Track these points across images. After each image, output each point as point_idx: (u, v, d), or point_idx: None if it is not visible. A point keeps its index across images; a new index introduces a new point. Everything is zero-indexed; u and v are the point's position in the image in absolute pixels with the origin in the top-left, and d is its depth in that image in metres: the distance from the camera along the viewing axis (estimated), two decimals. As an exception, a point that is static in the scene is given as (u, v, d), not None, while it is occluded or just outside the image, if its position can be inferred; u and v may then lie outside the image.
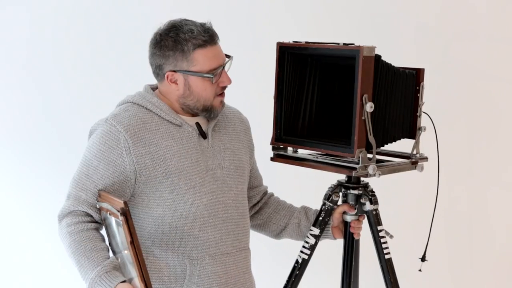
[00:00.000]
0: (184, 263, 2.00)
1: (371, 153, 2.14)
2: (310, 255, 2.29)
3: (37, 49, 3.62)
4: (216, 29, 2.04)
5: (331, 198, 2.28)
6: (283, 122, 2.22)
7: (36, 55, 3.62)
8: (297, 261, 2.29)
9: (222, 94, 2.05)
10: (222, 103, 2.06)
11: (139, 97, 2.04)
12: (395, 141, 2.31)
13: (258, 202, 2.34)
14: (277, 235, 2.34)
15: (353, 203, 2.28)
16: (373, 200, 2.28)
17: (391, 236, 2.32)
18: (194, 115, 2.06)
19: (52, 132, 3.67)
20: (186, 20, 2.02)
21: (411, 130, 2.35)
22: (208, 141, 2.06)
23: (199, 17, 2.07)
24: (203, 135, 2.05)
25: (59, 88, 3.66)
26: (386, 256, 2.27)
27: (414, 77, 2.32)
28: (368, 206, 2.27)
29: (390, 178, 3.03)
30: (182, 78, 1.99)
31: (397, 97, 2.24)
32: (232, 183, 2.10)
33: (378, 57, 2.10)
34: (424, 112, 2.36)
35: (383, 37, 3.64)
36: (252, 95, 3.36)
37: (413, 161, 2.33)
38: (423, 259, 2.40)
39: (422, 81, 2.34)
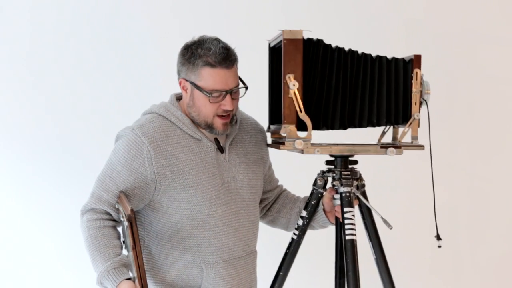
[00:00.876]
0: (200, 266, 2.20)
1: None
2: (299, 236, 2.42)
3: (39, 51, 3.55)
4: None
5: (316, 182, 2.41)
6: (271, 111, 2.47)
7: (38, 56, 3.55)
8: (290, 242, 2.46)
9: (224, 117, 2.18)
10: (225, 126, 2.19)
11: (164, 109, 2.20)
12: (373, 126, 2.32)
13: (271, 202, 2.52)
14: (287, 227, 2.51)
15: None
16: (344, 183, 2.33)
17: (390, 227, 2.30)
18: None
19: (54, 133, 3.58)
20: (215, 39, 2.16)
21: (407, 118, 2.32)
22: (225, 156, 2.23)
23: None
24: (221, 149, 2.22)
25: (61, 89, 3.58)
26: (347, 237, 2.27)
27: (403, 64, 2.31)
28: (340, 189, 2.33)
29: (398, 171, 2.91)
30: (190, 88, 2.17)
31: (364, 82, 2.28)
32: (245, 194, 2.28)
33: (309, 40, 2.24)
34: (423, 99, 2.32)
35: (380, 35, 3.63)
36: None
37: (382, 145, 2.30)
38: (438, 237, 2.32)
39: (418, 68, 2.31)
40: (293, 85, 2.20)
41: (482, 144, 3.89)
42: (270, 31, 2.46)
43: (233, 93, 2.18)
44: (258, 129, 2.41)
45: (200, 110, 2.17)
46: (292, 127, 2.23)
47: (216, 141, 2.25)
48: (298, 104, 2.22)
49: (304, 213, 2.42)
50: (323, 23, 3.66)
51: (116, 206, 2.15)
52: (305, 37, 2.23)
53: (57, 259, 3.60)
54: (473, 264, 3.88)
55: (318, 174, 2.42)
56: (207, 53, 2.13)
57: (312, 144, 2.25)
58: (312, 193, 2.41)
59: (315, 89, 2.25)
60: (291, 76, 2.21)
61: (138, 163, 2.13)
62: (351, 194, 2.32)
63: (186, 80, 2.17)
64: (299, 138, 2.24)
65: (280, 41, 2.20)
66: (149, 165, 2.12)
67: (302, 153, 2.25)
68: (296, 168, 3.16)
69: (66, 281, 3.62)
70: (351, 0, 3.78)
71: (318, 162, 2.48)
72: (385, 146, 2.29)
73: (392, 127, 2.42)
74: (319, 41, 2.25)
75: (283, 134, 2.27)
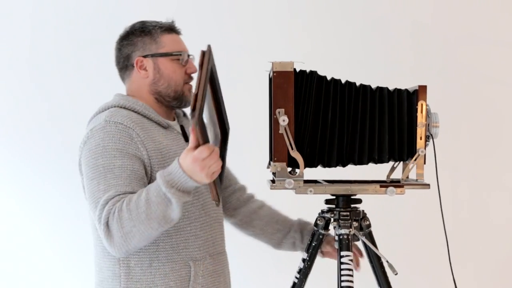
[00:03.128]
0: (188, 265, 2.05)
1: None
2: (301, 280, 2.27)
3: (40, 52, 3.49)
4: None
5: (316, 222, 2.27)
6: None
7: (39, 57, 3.49)
8: (293, 285, 2.32)
9: (189, 85, 2.10)
10: (191, 93, 2.08)
11: (124, 100, 2.03)
12: (374, 163, 2.16)
13: (243, 202, 2.37)
14: (274, 247, 2.38)
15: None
16: (342, 225, 2.17)
17: (395, 272, 2.14)
18: (173, 119, 2.11)
19: (54, 133, 3.51)
20: None
21: (412, 154, 2.15)
22: (185, 146, 2.05)
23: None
24: (186, 138, 2.11)
25: (62, 90, 3.51)
26: (344, 284, 2.11)
27: (407, 95, 2.15)
28: (337, 230, 2.18)
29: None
30: (151, 63, 2.05)
31: (363, 116, 2.13)
32: None
33: (301, 72, 2.10)
34: (429, 134, 2.15)
35: (381, 42, 3.53)
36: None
37: (382, 184, 2.13)
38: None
39: (423, 99, 2.14)
40: (283, 121, 2.07)
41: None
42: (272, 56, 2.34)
43: (190, 57, 2.13)
44: None
45: (170, 78, 2.08)
46: (283, 165, 2.10)
47: (182, 128, 2.16)
48: (289, 140, 2.09)
49: (305, 255, 2.27)
50: (331, 27, 3.59)
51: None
52: (297, 69, 2.10)
53: (58, 259, 3.56)
54: (475, 270, 3.66)
55: (319, 214, 2.27)
56: (158, 24, 2.10)
57: (305, 182, 2.11)
58: (313, 234, 2.26)
59: (308, 124, 2.11)
60: (281, 111, 2.08)
61: (133, 149, 1.93)
62: (350, 237, 2.15)
63: (145, 57, 2.07)
64: (290, 177, 2.10)
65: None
66: (143, 148, 1.95)
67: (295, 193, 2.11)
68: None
69: (66, 282, 3.58)
70: (358, 5, 3.65)
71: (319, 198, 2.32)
72: (385, 185, 2.12)
73: (402, 162, 2.25)
74: (313, 73, 2.11)
75: (272, 172, 2.13)
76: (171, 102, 2.10)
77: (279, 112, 2.08)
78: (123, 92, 2.14)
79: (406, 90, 2.16)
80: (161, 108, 2.11)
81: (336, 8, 3.62)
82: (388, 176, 2.28)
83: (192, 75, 2.14)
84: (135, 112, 2.04)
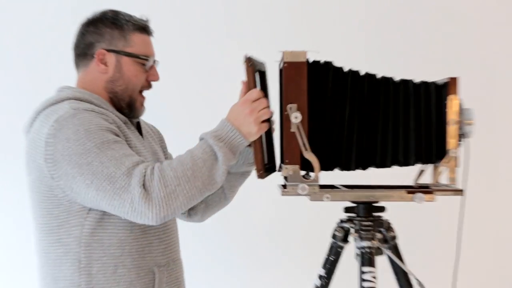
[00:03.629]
0: (153, 271, 1.92)
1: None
2: (319, 298, 2.03)
3: (41, 51, 3.41)
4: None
5: (334, 234, 2.02)
6: None
7: (40, 57, 3.41)
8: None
9: (143, 96, 1.96)
10: (143, 107, 1.96)
11: (78, 92, 1.87)
12: (399, 165, 1.92)
13: None
14: (228, 201, 2.17)
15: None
16: (363, 236, 1.93)
17: None
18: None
19: None
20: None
21: (442, 155, 1.90)
22: (144, 142, 1.97)
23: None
24: (141, 134, 1.99)
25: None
26: (366, 303, 1.86)
27: (436, 88, 1.91)
28: (358, 243, 1.94)
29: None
30: (114, 59, 1.89)
31: (385, 112, 1.89)
32: None
33: (315, 63, 1.87)
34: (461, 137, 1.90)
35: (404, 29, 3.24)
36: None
37: (409, 190, 1.88)
38: None
39: (454, 93, 1.90)
40: (295, 118, 1.83)
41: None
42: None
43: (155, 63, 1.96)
44: (156, 128, 2.16)
45: (129, 81, 1.90)
46: (295, 168, 1.85)
47: (138, 125, 1.98)
48: (302, 140, 1.84)
49: (322, 272, 2.02)
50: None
51: None
52: (311, 59, 1.87)
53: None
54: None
55: (337, 224, 2.02)
56: (132, 19, 1.91)
57: (321, 187, 1.87)
58: (331, 248, 2.02)
59: (324, 121, 1.87)
60: (293, 106, 1.84)
61: (116, 130, 1.79)
62: (372, 250, 1.90)
63: (108, 51, 1.88)
64: (304, 181, 1.85)
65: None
66: (122, 134, 1.82)
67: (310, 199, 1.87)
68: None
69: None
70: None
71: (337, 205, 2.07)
72: (412, 191, 1.87)
73: (431, 164, 1.99)
74: (328, 64, 1.88)
75: (283, 176, 1.89)
76: (123, 108, 1.91)
77: (290, 108, 1.85)
78: (70, 84, 1.95)
79: (434, 83, 1.92)
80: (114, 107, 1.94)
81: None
82: (415, 181, 2.03)
83: (152, 83, 1.97)
84: (94, 104, 1.86)
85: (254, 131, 1.79)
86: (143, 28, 1.92)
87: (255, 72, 1.85)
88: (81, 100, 1.83)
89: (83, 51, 1.91)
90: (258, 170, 1.84)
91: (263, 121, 1.81)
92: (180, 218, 2.17)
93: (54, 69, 3.14)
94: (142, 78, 1.92)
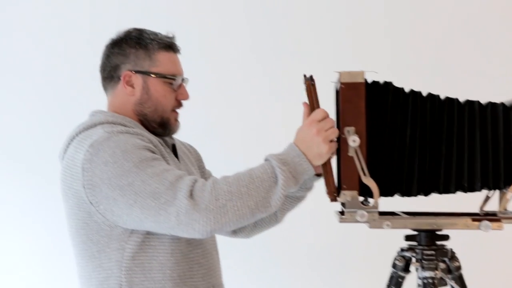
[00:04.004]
0: None
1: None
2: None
3: (56, 59, 3.39)
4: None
5: (394, 264, 1.92)
6: None
7: (56, 64, 3.39)
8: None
9: (177, 112, 1.90)
10: (177, 122, 1.91)
11: (111, 117, 1.82)
12: (463, 191, 1.81)
13: None
14: (278, 222, 2.07)
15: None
16: (426, 266, 1.83)
17: None
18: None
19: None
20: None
21: (509, 180, 1.80)
22: (180, 164, 1.91)
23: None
24: (177, 157, 1.92)
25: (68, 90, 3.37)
26: None
27: (504, 109, 1.80)
28: (420, 273, 1.84)
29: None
30: (141, 81, 1.84)
31: (449, 135, 1.79)
32: None
33: (374, 83, 1.78)
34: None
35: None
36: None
37: (475, 217, 1.77)
38: None
39: (525, 114, 1.79)
40: (353, 141, 1.75)
41: None
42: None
43: (184, 81, 1.91)
44: (192, 147, 2.09)
45: (158, 103, 1.84)
46: (353, 194, 1.77)
47: (174, 148, 1.92)
48: (361, 164, 1.76)
49: (381, 302, 1.92)
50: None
51: None
52: (369, 80, 1.78)
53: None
54: None
55: (397, 253, 1.92)
56: (157, 37, 1.85)
57: (380, 214, 1.78)
58: (391, 278, 1.92)
59: (383, 145, 1.78)
60: (351, 129, 1.76)
61: (154, 149, 1.75)
62: (435, 281, 1.80)
63: (134, 73, 1.82)
64: (362, 207, 1.76)
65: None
66: (157, 150, 1.77)
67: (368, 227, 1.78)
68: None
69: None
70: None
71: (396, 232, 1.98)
72: (478, 219, 1.77)
73: (498, 191, 1.88)
74: (388, 84, 1.79)
75: (341, 202, 1.81)
76: (156, 129, 1.86)
77: (348, 131, 1.76)
78: (102, 108, 1.91)
79: (502, 103, 1.81)
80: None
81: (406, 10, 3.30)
82: (481, 208, 1.92)
83: (182, 101, 1.90)
84: (128, 127, 1.80)
85: (324, 151, 1.72)
86: (169, 46, 1.86)
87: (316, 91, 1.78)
88: (114, 124, 1.79)
89: (110, 73, 1.87)
90: (330, 193, 1.77)
91: (332, 141, 1.74)
92: (224, 235, 2.09)
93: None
94: (171, 98, 1.87)
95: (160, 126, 1.87)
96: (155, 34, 1.86)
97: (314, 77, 1.76)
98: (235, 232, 2.08)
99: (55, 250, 3.33)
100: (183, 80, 1.89)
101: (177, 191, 1.64)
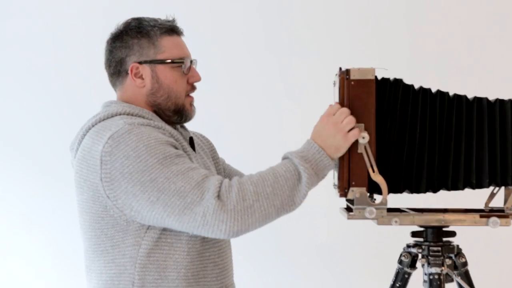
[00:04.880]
0: None
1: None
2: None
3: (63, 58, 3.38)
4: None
5: (400, 259, 1.93)
6: None
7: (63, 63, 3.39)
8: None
9: (191, 96, 1.85)
10: (193, 107, 1.85)
11: (128, 108, 1.77)
12: (472, 188, 1.82)
13: None
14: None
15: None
16: (432, 262, 1.83)
17: None
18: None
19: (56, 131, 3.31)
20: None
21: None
22: (197, 158, 1.87)
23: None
24: (194, 149, 1.88)
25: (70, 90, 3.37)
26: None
27: (511, 107, 1.81)
28: (427, 269, 1.84)
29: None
30: (149, 70, 1.79)
31: (458, 132, 1.79)
32: None
33: (384, 80, 1.78)
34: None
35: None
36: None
37: (482, 214, 1.78)
38: None
39: (532, 111, 1.80)
40: (362, 138, 1.75)
41: None
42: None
43: (193, 63, 1.85)
44: (203, 136, 2.05)
45: (170, 90, 1.79)
46: (362, 191, 1.77)
47: (191, 140, 1.87)
48: (370, 161, 1.76)
49: (387, 299, 1.93)
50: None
51: None
52: (379, 77, 1.79)
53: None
54: None
55: (404, 249, 1.92)
56: (157, 23, 1.79)
57: (389, 210, 1.78)
58: (397, 274, 1.92)
59: (392, 142, 1.79)
60: (361, 126, 1.76)
61: (176, 144, 1.71)
62: (442, 277, 1.81)
63: (141, 63, 1.78)
64: (371, 204, 1.77)
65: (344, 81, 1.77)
66: (178, 144, 1.73)
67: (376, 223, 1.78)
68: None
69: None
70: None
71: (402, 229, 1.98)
72: (486, 215, 1.77)
73: (504, 187, 1.89)
74: (398, 81, 1.79)
75: (349, 198, 1.81)
76: (171, 117, 1.81)
77: (358, 128, 1.76)
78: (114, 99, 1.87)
79: (510, 100, 1.81)
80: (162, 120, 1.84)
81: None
82: (486, 204, 1.92)
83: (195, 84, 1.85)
84: (146, 119, 1.75)
85: (342, 143, 1.71)
86: (171, 29, 1.80)
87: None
88: (133, 115, 1.74)
89: (116, 69, 1.81)
90: (341, 188, 1.76)
91: (350, 131, 1.72)
92: None
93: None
94: (183, 82, 1.81)
95: (175, 113, 1.81)
96: (155, 20, 1.81)
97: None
98: None
99: (62, 246, 3.33)
100: (191, 62, 1.83)
101: (204, 191, 1.62)
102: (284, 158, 1.72)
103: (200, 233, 1.65)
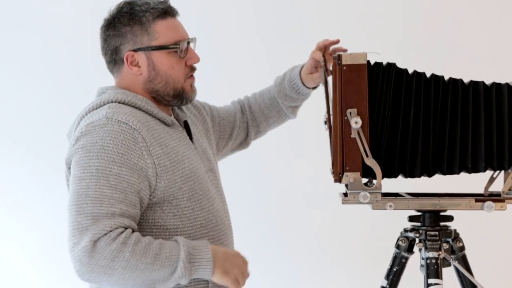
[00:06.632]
0: (206, 282, 1.81)
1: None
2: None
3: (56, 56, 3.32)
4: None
5: (398, 244, 1.93)
6: None
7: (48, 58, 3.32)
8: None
9: (192, 77, 1.82)
10: (193, 88, 1.83)
11: (122, 94, 1.76)
12: (467, 172, 1.81)
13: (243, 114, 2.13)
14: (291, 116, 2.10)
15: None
16: (429, 246, 1.83)
17: None
18: (170, 114, 1.86)
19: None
20: None
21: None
22: (194, 143, 1.86)
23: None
24: (190, 134, 1.87)
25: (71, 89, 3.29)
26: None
27: (509, 90, 1.79)
28: (424, 253, 1.84)
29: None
30: (145, 58, 1.76)
31: (453, 116, 1.79)
32: (220, 186, 1.92)
33: (377, 65, 1.78)
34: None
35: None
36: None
37: (478, 198, 1.77)
38: None
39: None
40: (355, 123, 1.75)
41: None
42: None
43: (191, 44, 1.81)
44: (193, 104, 2.02)
45: (168, 76, 1.77)
46: (356, 175, 1.77)
47: (186, 124, 1.86)
48: (363, 146, 1.76)
49: (385, 283, 1.93)
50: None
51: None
52: (372, 61, 1.78)
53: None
54: None
55: (401, 234, 1.92)
56: (149, 7, 1.74)
57: (383, 195, 1.78)
58: (394, 258, 1.93)
59: (386, 126, 1.78)
60: (353, 111, 1.76)
61: (136, 157, 1.67)
62: (439, 261, 1.80)
63: (136, 51, 1.75)
64: (365, 189, 1.77)
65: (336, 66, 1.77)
66: (148, 157, 1.68)
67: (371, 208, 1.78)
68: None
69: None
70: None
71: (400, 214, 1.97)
72: (481, 200, 1.76)
73: (503, 171, 1.87)
74: (391, 66, 1.78)
75: (344, 184, 1.81)
76: (171, 102, 1.80)
77: (350, 113, 1.76)
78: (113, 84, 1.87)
79: (507, 84, 1.79)
80: (159, 105, 1.82)
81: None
82: (486, 189, 1.91)
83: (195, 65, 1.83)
84: (137, 108, 1.75)
85: (228, 278, 1.70)
86: (164, 12, 1.76)
87: None
88: (124, 103, 1.74)
89: (112, 57, 1.80)
90: (336, 173, 1.77)
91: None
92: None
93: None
94: (180, 67, 1.78)
95: (175, 97, 1.80)
96: (147, 3, 1.76)
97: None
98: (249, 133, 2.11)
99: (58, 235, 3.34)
100: (188, 43, 1.79)
101: (93, 226, 1.61)
102: (177, 242, 1.68)
103: (68, 255, 1.65)
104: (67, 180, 1.78)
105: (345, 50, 1.90)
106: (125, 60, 1.77)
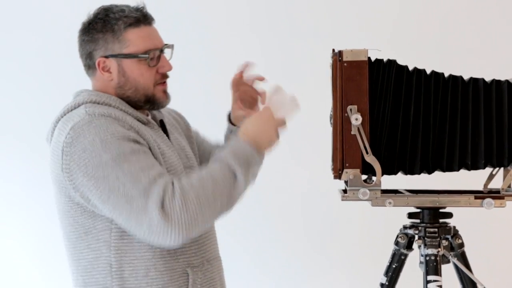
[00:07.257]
0: (186, 272, 1.84)
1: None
2: (379, 308, 1.96)
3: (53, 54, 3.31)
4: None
5: (397, 241, 1.94)
6: None
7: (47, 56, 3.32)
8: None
9: (164, 84, 1.85)
10: (166, 94, 1.85)
11: (95, 96, 1.79)
12: (467, 169, 1.82)
13: None
14: None
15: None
16: (428, 243, 1.83)
17: None
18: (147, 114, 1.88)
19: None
20: (118, 4, 1.83)
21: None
22: (169, 142, 1.88)
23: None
24: (166, 132, 1.89)
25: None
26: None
27: (508, 87, 1.80)
28: (423, 250, 1.85)
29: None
30: (115, 64, 1.79)
31: (453, 113, 1.79)
32: None
33: (377, 62, 1.78)
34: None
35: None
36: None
37: (477, 195, 1.78)
38: None
39: (528, 92, 1.79)
40: (355, 120, 1.75)
41: None
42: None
43: (165, 52, 1.83)
44: (168, 110, 2.04)
45: (137, 83, 1.79)
46: (356, 172, 1.77)
47: (162, 123, 1.88)
48: (363, 143, 1.76)
49: (384, 280, 1.94)
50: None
51: None
52: (372, 58, 1.78)
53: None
54: None
55: (400, 231, 1.93)
56: (123, 15, 1.77)
57: (383, 192, 1.79)
58: (394, 255, 1.93)
59: (386, 123, 1.79)
60: (353, 108, 1.76)
61: (134, 135, 1.71)
62: (438, 258, 1.81)
63: (107, 57, 1.78)
64: (364, 186, 1.77)
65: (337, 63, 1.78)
66: (142, 139, 1.73)
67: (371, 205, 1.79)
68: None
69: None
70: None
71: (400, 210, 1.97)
72: (481, 197, 1.77)
73: (502, 168, 1.88)
74: (391, 62, 1.79)
75: (344, 180, 1.81)
76: (143, 106, 1.82)
77: (350, 110, 1.77)
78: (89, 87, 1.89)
79: (507, 81, 1.80)
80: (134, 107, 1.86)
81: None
82: (485, 186, 1.92)
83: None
84: (113, 107, 1.78)
85: (274, 138, 1.72)
86: (137, 21, 1.78)
87: None
88: (99, 103, 1.76)
89: (86, 62, 1.83)
90: (335, 170, 1.78)
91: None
92: None
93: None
94: (150, 75, 1.80)
95: (146, 103, 1.83)
96: (122, 10, 1.79)
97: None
98: None
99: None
100: (162, 50, 1.82)
101: (149, 198, 1.62)
102: (218, 159, 1.71)
103: (148, 240, 1.67)
104: (57, 192, 1.77)
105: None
106: (97, 65, 1.80)
